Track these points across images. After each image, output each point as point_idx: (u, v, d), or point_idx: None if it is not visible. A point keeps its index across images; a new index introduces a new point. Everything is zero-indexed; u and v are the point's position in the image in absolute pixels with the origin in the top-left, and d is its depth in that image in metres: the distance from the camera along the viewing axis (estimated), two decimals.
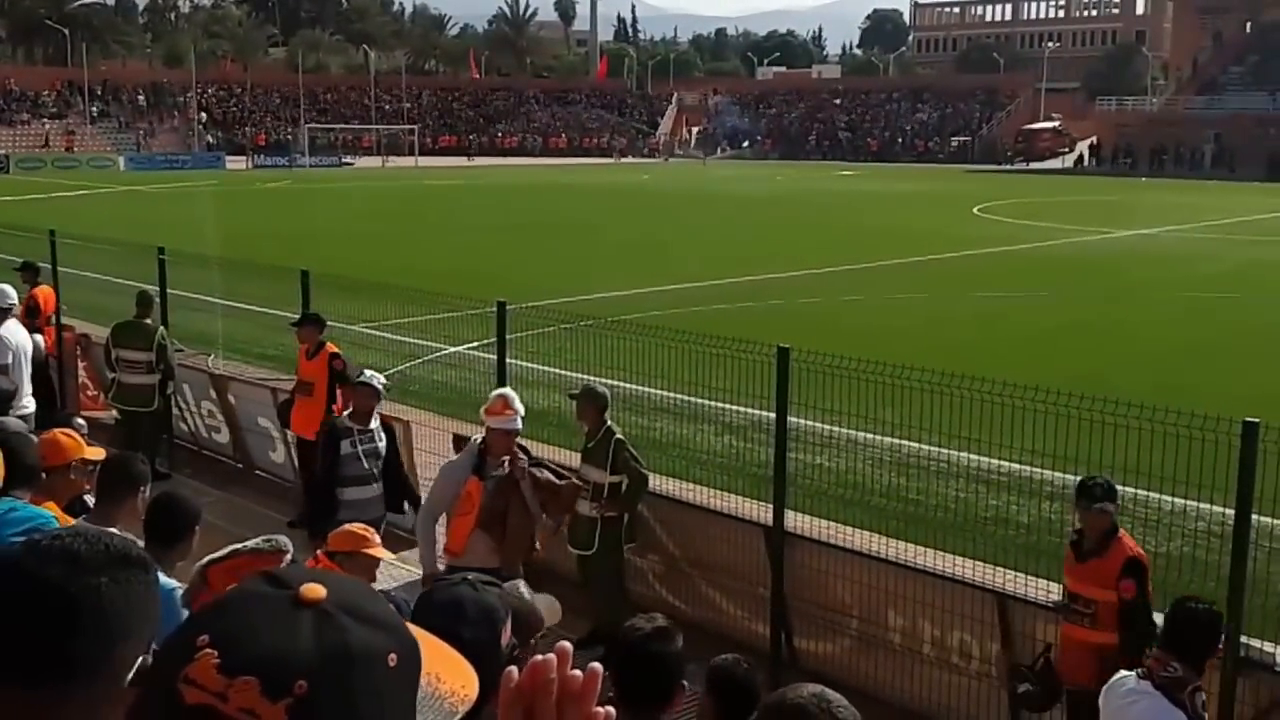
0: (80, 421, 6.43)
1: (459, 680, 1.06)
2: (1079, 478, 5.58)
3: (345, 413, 7.98)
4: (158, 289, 11.45)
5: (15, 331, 9.68)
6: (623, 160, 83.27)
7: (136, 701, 0.95)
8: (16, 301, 10.43)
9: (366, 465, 7.63)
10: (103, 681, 1.29)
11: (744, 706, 3.19)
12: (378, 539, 4.98)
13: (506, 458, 6.60)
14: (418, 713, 0.96)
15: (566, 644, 1.00)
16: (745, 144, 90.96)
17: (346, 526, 5.12)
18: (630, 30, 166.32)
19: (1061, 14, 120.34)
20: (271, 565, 3.76)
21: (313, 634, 0.89)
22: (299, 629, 0.89)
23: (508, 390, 6.75)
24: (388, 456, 7.86)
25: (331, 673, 0.87)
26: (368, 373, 7.99)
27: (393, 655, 0.90)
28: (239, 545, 3.46)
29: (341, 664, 0.87)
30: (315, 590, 0.91)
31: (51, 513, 3.96)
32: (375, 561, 4.94)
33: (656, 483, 7.70)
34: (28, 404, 9.33)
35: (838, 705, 2.45)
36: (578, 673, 0.95)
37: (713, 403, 9.97)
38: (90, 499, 4.98)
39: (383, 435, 7.86)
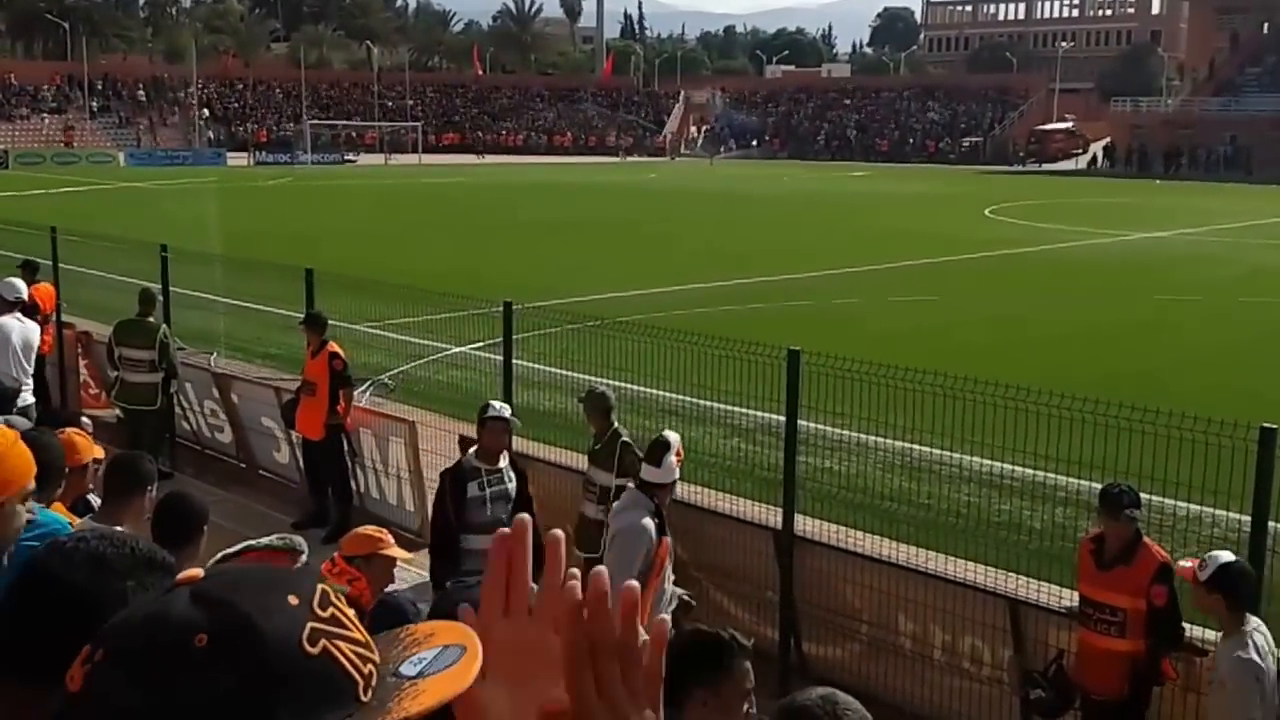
0: (86, 420, 6.38)
1: (450, 634, 0.96)
2: (1091, 483, 5.53)
3: (471, 450, 6.98)
4: (160, 287, 11.41)
5: (8, 321, 9.66)
6: (629, 159, 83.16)
7: None
8: (24, 295, 10.40)
9: (493, 510, 6.71)
10: None
11: None
12: (392, 539, 4.93)
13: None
14: (381, 644, 0.91)
15: (603, 568, 0.95)
16: (753, 143, 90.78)
17: (360, 529, 5.07)
18: (637, 27, 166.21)
19: (1076, 13, 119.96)
20: (284, 563, 3.70)
21: (139, 607, 0.88)
22: (138, 604, 0.89)
23: (674, 436, 6.06)
24: (517, 501, 6.90)
25: (123, 641, 0.85)
26: (496, 404, 7.00)
27: (201, 636, 0.83)
28: (253, 541, 3.41)
29: (135, 634, 0.85)
30: (190, 573, 0.91)
31: (65, 517, 3.91)
32: (392, 561, 4.90)
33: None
34: (27, 397, 9.30)
35: (844, 707, 2.40)
36: (633, 583, 0.92)
37: (720, 405, 9.91)
38: (93, 498, 4.93)
39: (512, 476, 6.95)
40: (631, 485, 5.95)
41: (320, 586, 0.89)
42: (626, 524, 5.73)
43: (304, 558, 3.48)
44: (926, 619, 6.25)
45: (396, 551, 4.87)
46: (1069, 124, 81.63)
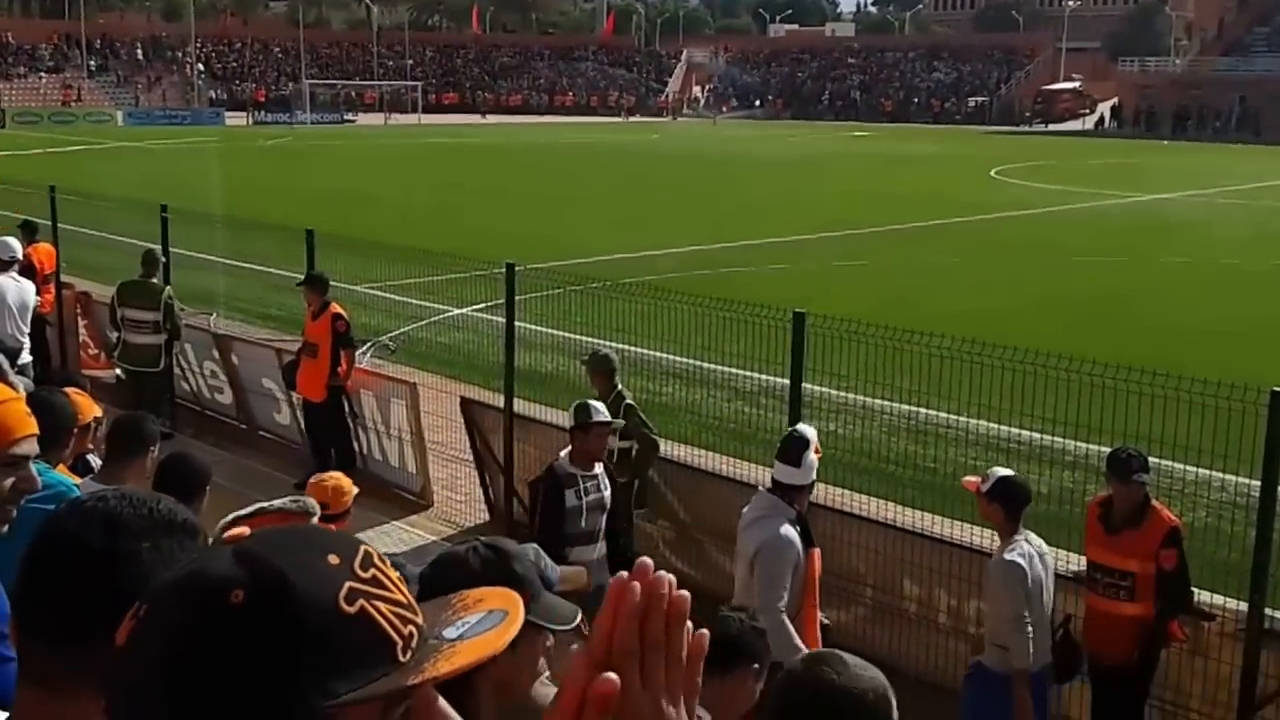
0: (83, 379, 6.35)
1: (497, 600, 1.01)
2: (1098, 447, 5.48)
3: (564, 454, 6.21)
4: (160, 247, 11.32)
5: (3, 281, 9.62)
6: (631, 119, 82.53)
7: None
8: (19, 255, 10.32)
9: (590, 521, 6.09)
10: None
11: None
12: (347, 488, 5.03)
13: None
14: (431, 609, 0.94)
15: (647, 560, 0.96)
16: (756, 103, 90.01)
17: (323, 482, 5.06)
18: None
19: None
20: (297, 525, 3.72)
21: (186, 564, 0.90)
22: (181, 563, 0.92)
23: (810, 431, 5.23)
24: (612, 508, 6.44)
25: (163, 596, 0.88)
26: (596, 405, 6.26)
27: (237, 592, 0.85)
28: (265, 504, 3.38)
29: (175, 591, 0.87)
30: (237, 532, 0.94)
31: (71, 479, 3.87)
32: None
33: (666, 448, 7.60)
34: (26, 357, 9.27)
35: (855, 671, 2.31)
36: (684, 592, 0.94)
37: (723, 368, 9.86)
38: (94, 458, 4.90)
39: (606, 482, 6.25)
40: (763, 489, 5.11)
41: (363, 548, 0.90)
42: (768, 536, 4.83)
43: (315, 520, 3.46)
44: (931, 583, 6.23)
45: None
46: (1076, 84, 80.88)
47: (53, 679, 1.31)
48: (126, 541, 1.37)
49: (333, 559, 0.88)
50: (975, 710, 5.21)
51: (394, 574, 0.91)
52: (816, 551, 4.94)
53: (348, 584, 0.87)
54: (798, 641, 4.62)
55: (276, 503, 3.41)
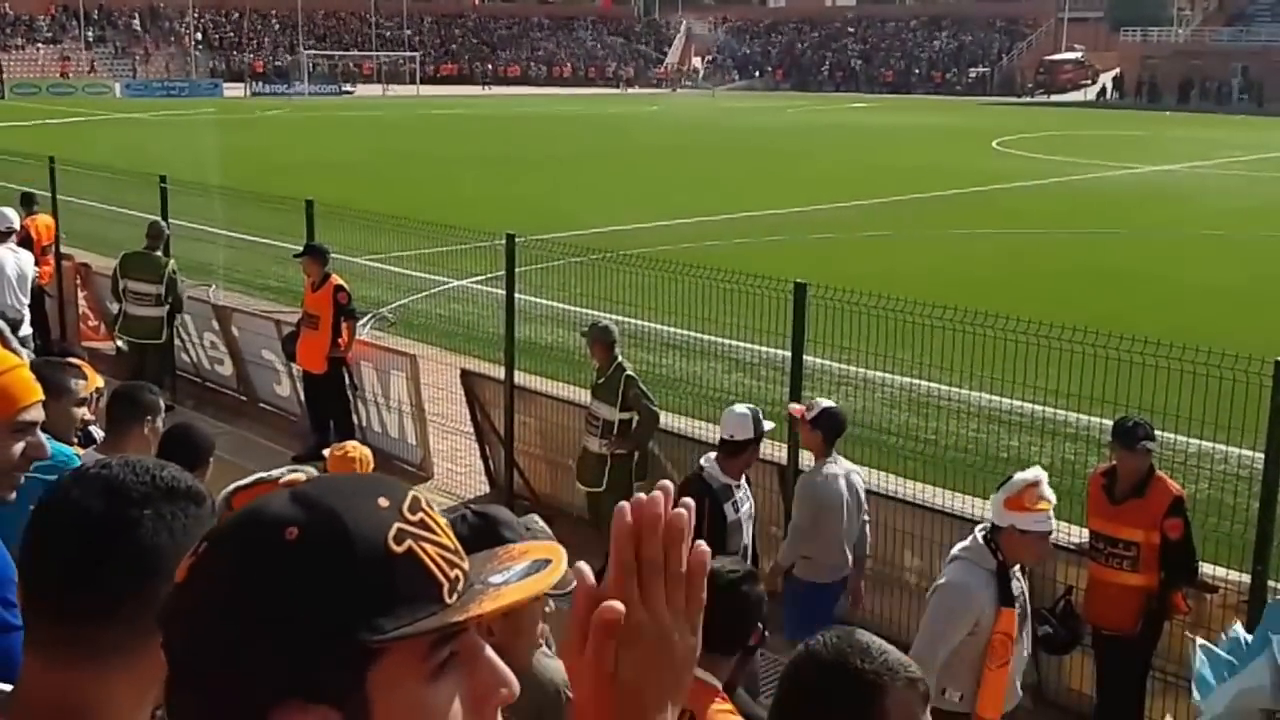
0: (82, 351, 6.34)
1: (541, 551, 1.06)
2: (1099, 419, 5.46)
3: (712, 461, 5.64)
4: (160, 219, 11.27)
5: (2, 252, 9.60)
6: (630, 91, 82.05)
7: None
8: (16, 226, 10.28)
9: (745, 534, 5.72)
10: (140, 618, 1.26)
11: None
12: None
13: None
14: (477, 561, 0.97)
15: (668, 483, 1.01)
16: (756, 74, 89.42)
17: (342, 453, 5.06)
18: None
19: None
20: None
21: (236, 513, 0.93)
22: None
23: (1040, 473, 4.46)
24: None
25: (224, 533, 0.91)
26: (739, 408, 5.70)
27: (292, 529, 0.88)
28: (264, 474, 3.39)
29: (235, 527, 0.90)
30: (294, 476, 0.92)
31: (74, 450, 3.88)
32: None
33: (666, 420, 7.59)
34: (25, 329, 9.25)
35: (863, 650, 2.20)
36: (681, 510, 0.97)
37: (723, 339, 9.84)
38: (96, 430, 4.90)
39: (749, 492, 5.83)
40: (978, 533, 4.43)
41: (412, 493, 0.94)
42: (950, 582, 4.40)
43: None
44: (932, 554, 6.23)
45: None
46: (1078, 54, 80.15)
47: (57, 647, 1.31)
48: (129, 508, 1.37)
49: (382, 501, 0.91)
50: (789, 614, 5.75)
51: (442, 520, 0.94)
52: (1012, 613, 4.29)
53: (396, 525, 0.90)
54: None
55: (275, 473, 3.42)
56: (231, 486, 3.02)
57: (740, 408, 5.68)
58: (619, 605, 0.93)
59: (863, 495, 5.90)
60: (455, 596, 0.91)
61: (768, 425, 5.67)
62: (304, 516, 0.87)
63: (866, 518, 5.94)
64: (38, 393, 2.19)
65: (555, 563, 0.96)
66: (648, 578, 0.95)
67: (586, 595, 0.96)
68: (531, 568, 0.97)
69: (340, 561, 0.86)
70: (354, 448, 5.24)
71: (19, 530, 1.42)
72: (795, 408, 5.89)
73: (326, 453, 5.52)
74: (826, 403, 5.80)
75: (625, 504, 0.97)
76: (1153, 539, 5.17)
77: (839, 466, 5.74)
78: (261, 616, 0.85)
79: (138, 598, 1.30)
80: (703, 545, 0.99)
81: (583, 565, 0.98)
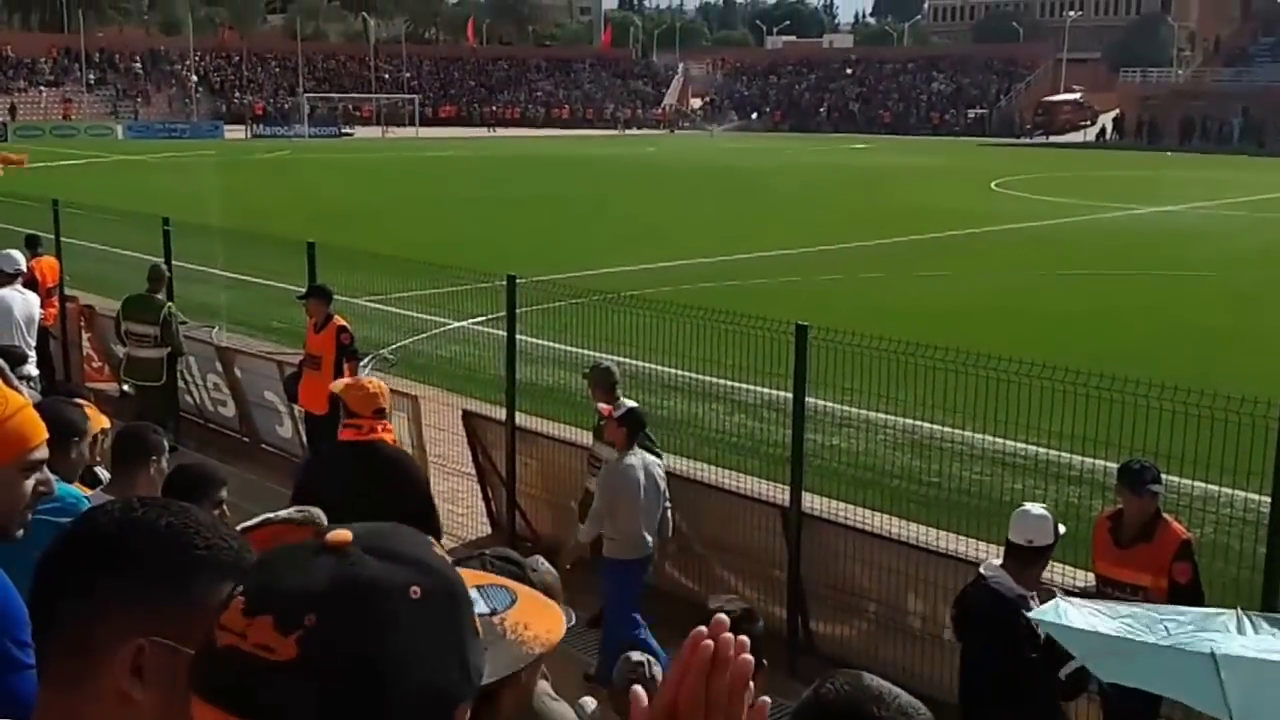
0: (87, 392, 6.35)
1: (545, 626, 1.16)
2: (1104, 462, 5.46)
3: (990, 565, 5.02)
4: (164, 261, 11.33)
5: (9, 294, 9.63)
6: (628, 132, 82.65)
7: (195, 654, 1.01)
8: (24, 268, 10.33)
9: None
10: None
11: None
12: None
13: None
14: (492, 653, 1.01)
15: (725, 618, 1.03)
16: (754, 115, 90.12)
17: (358, 387, 5.10)
18: None
19: None
20: (307, 536, 3.72)
21: (327, 572, 0.93)
22: (315, 569, 0.94)
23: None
24: None
25: (341, 604, 0.91)
26: (1036, 509, 4.96)
27: (415, 588, 0.93)
28: (271, 515, 3.40)
29: (351, 596, 0.91)
30: (341, 535, 0.96)
31: (81, 491, 3.89)
32: None
33: (668, 462, 7.57)
34: (31, 369, 9.25)
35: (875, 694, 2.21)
36: (748, 656, 0.99)
37: (723, 381, 9.84)
38: (102, 471, 4.90)
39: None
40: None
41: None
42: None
43: (323, 525, 3.48)
44: (936, 598, 6.20)
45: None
46: (1077, 95, 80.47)
47: (67, 683, 1.31)
48: (138, 545, 1.36)
49: (438, 549, 0.98)
50: (604, 588, 6.60)
51: None
52: None
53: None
54: None
55: (282, 514, 3.42)
56: (239, 528, 3.01)
57: (1036, 509, 4.94)
58: None
59: (662, 483, 6.69)
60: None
61: (1061, 529, 4.96)
62: (418, 574, 0.93)
63: (667, 504, 6.78)
64: (44, 432, 2.23)
65: (512, 587, 1.05)
66: (712, 715, 0.97)
67: (658, 708, 0.97)
68: (497, 596, 1.08)
69: (457, 612, 0.94)
70: (369, 380, 5.33)
71: (30, 569, 1.42)
72: (604, 407, 6.74)
73: (340, 386, 5.60)
74: (631, 404, 6.76)
75: (704, 631, 0.98)
76: (1160, 583, 5.14)
77: (637, 459, 6.53)
78: (412, 671, 0.90)
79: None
80: (765, 700, 1.01)
81: (638, 689, 1.00)
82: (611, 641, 6.25)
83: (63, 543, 1.38)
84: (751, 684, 0.99)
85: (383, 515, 1.06)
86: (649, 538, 6.57)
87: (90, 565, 1.34)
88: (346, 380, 5.36)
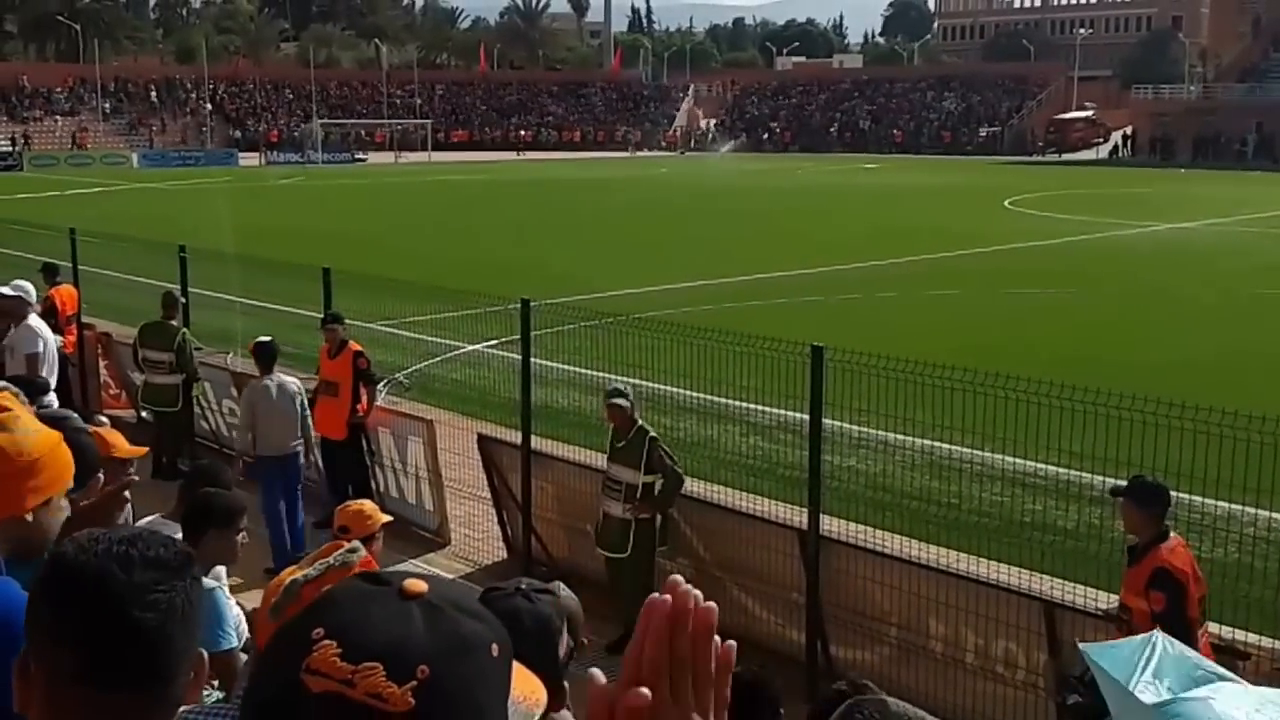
0: (103, 419, 6.36)
1: (528, 687, 1.19)
2: (1124, 482, 5.39)
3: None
4: (178, 288, 11.39)
5: (42, 326, 9.70)
6: (638, 154, 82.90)
7: (253, 698, 0.96)
8: (34, 299, 10.37)
9: None
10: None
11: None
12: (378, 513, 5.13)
13: None
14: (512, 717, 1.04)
15: (679, 578, 1.02)
16: (764, 136, 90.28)
17: (354, 509, 5.09)
18: (645, 21, 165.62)
19: None
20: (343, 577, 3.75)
21: (425, 623, 0.94)
22: (411, 619, 0.93)
23: None
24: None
25: (448, 658, 0.92)
26: None
27: (494, 645, 0.96)
28: (330, 560, 3.45)
29: (456, 650, 0.93)
30: (418, 585, 0.96)
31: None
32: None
33: (686, 484, 7.55)
34: (52, 399, 9.28)
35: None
36: (711, 605, 0.98)
37: (738, 402, 9.81)
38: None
39: None
40: None
41: None
42: None
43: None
44: (958, 622, 6.15)
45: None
46: (1089, 113, 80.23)
47: (60, 713, 1.35)
48: (127, 579, 1.41)
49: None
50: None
51: None
52: None
53: None
54: None
55: (338, 558, 3.46)
56: (300, 576, 3.01)
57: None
58: (645, 692, 0.93)
59: (294, 396, 8.66)
60: None
61: None
62: (494, 633, 0.99)
63: (303, 411, 8.73)
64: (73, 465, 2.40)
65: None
66: (678, 676, 0.96)
67: (601, 697, 0.97)
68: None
69: (510, 673, 1.00)
70: (357, 503, 5.36)
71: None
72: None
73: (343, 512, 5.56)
74: (266, 339, 8.71)
75: (660, 597, 0.97)
76: (1142, 606, 4.99)
77: (272, 380, 8.66)
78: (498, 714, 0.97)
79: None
80: (731, 643, 0.99)
81: (595, 671, 0.99)
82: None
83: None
84: (717, 638, 0.97)
85: None
86: (288, 438, 8.60)
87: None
88: (351, 505, 5.37)
